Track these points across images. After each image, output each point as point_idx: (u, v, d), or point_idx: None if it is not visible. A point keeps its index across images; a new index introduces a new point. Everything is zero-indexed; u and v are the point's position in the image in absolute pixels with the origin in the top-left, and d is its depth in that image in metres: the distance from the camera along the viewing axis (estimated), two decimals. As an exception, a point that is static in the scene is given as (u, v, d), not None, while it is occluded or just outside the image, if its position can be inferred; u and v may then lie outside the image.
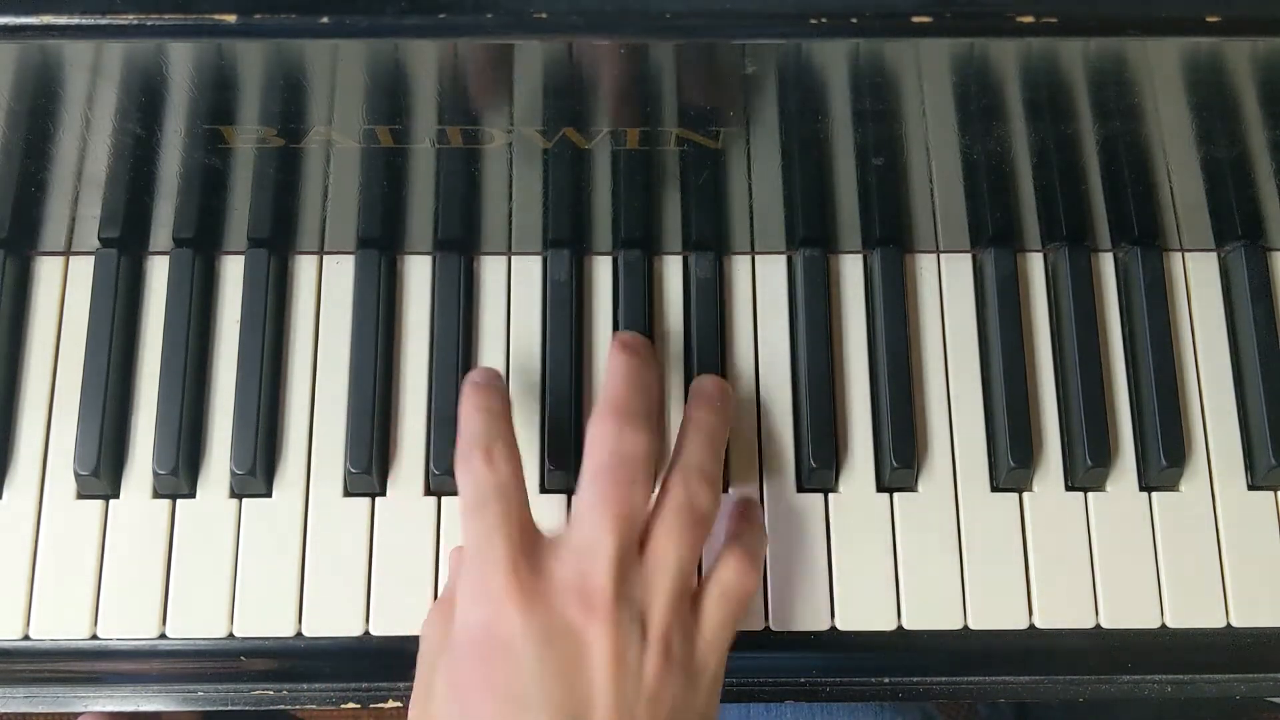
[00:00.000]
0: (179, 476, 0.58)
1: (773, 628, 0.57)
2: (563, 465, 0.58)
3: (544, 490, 0.59)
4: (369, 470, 0.58)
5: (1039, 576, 0.58)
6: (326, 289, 0.61)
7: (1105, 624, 0.57)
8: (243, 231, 0.60)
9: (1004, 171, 0.55)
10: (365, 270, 0.60)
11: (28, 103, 0.49)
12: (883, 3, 0.44)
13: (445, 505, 0.58)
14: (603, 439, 0.50)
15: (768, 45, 0.46)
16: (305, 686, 0.57)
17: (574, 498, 0.50)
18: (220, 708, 0.57)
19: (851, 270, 0.62)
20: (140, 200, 0.57)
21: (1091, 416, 0.59)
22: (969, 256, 0.62)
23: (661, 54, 0.47)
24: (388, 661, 0.57)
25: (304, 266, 0.62)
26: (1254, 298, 0.61)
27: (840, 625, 0.57)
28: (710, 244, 0.61)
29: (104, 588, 0.57)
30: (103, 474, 0.58)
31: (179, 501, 0.58)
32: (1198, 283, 0.62)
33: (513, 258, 0.62)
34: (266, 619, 0.57)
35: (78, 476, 0.58)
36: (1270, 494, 0.59)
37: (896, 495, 0.59)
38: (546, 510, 0.58)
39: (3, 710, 0.57)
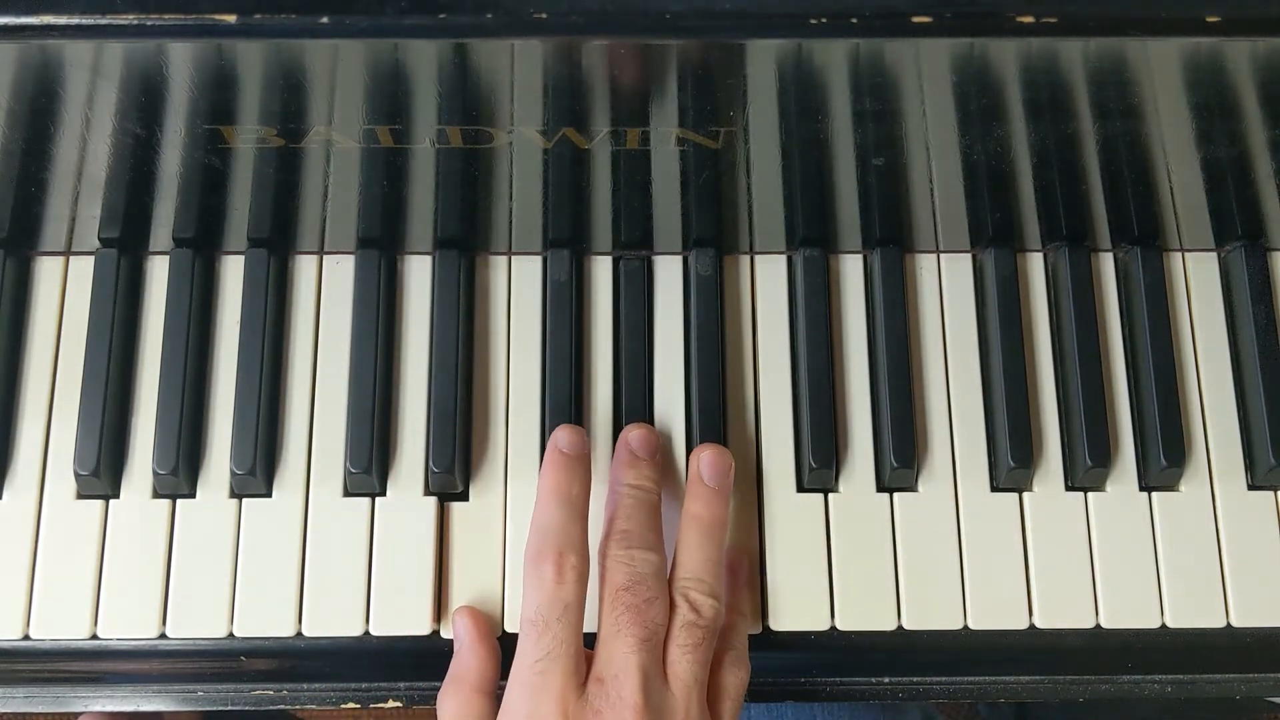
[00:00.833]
0: (179, 476, 0.58)
1: (773, 628, 0.57)
2: (563, 465, 0.58)
3: (544, 490, 0.59)
4: (369, 470, 0.58)
5: (1039, 576, 0.58)
6: (326, 289, 0.61)
7: (1105, 624, 0.57)
8: (243, 231, 0.60)
9: (1004, 171, 0.55)
10: (365, 270, 0.60)
11: (28, 103, 0.49)
12: (883, 3, 0.44)
13: (445, 505, 0.58)
14: (617, 563, 0.53)
15: (768, 45, 0.46)
16: (305, 686, 0.57)
17: (599, 619, 0.53)
18: (220, 708, 0.57)
19: (851, 270, 0.62)
20: (140, 200, 0.57)
21: (1091, 416, 0.59)
22: (969, 256, 0.62)
23: (661, 54, 0.47)
24: (387, 661, 0.57)
25: (304, 266, 0.62)
26: (1254, 298, 0.61)
27: (840, 625, 0.57)
28: (710, 244, 0.61)
29: (104, 588, 0.57)
30: (103, 474, 0.58)
31: (179, 501, 0.58)
32: (1198, 283, 0.62)
33: (513, 258, 0.62)
34: (266, 619, 0.57)
35: (78, 476, 0.58)
36: (1270, 494, 0.59)
37: (896, 495, 0.59)
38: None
39: (3, 710, 0.57)
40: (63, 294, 0.61)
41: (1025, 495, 0.59)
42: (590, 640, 0.53)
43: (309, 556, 0.57)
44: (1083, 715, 0.84)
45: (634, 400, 0.59)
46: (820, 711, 0.77)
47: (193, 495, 0.58)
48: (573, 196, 0.57)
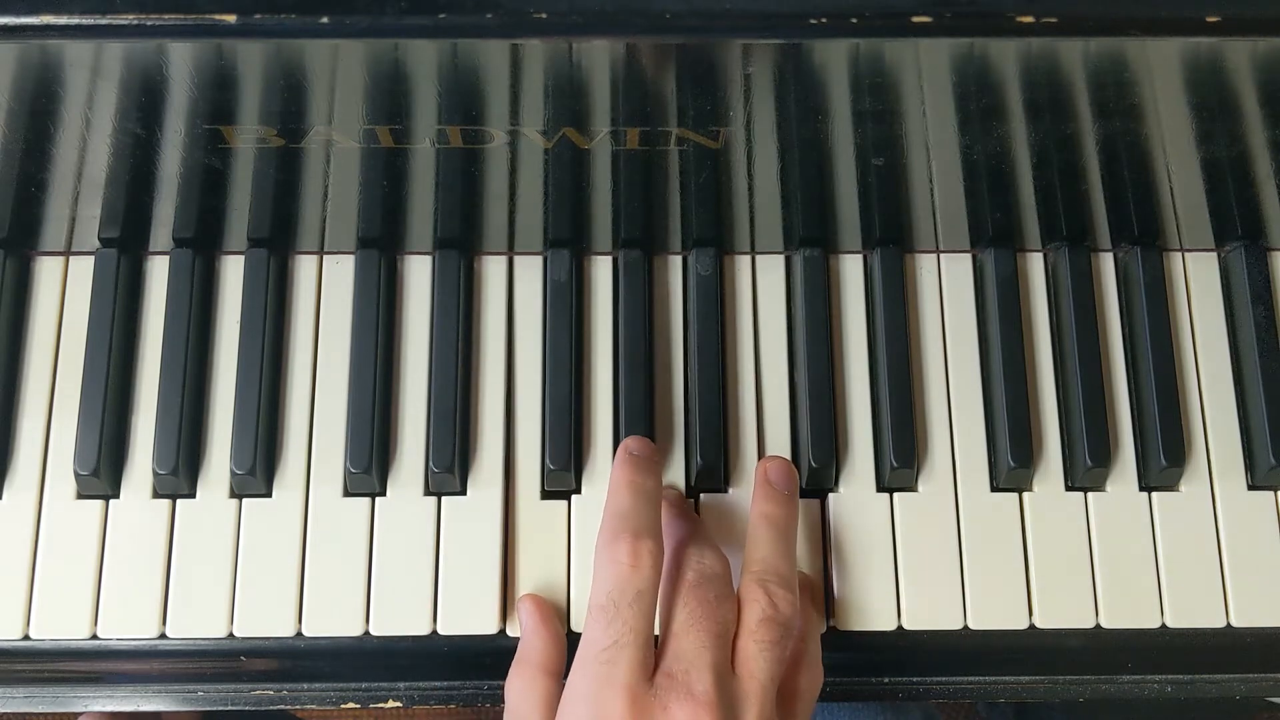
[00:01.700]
0: (179, 476, 0.58)
1: (773, 628, 0.57)
2: (563, 465, 0.58)
3: (544, 491, 0.59)
4: (369, 470, 0.58)
5: (1039, 576, 0.58)
6: (326, 289, 0.61)
7: (1105, 624, 0.57)
8: (243, 231, 0.60)
9: (1004, 171, 0.55)
10: (365, 270, 0.60)
11: (28, 103, 0.49)
12: (883, 3, 0.44)
13: (445, 505, 0.58)
14: (687, 561, 0.52)
15: (768, 45, 0.46)
16: (305, 686, 0.57)
17: (667, 615, 0.51)
18: (220, 708, 0.57)
19: (851, 270, 0.62)
20: (140, 200, 0.57)
21: (1091, 416, 0.59)
22: (969, 256, 0.62)
23: (661, 54, 0.47)
24: (388, 661, 0.57)
25: (304, 266, 0.62)
26: (1254, 298, 0.61)
27: (840, 625, 0.57)
28: (710, 244, 0.61)
29: (104, 588, 0.57)
30: (103, 474, 0.58)
31: (179, 501, 0.58)
32: (1198, 283, 0.62)
33: (513, 257, 0.62)
34: (266, 619, 0.57)
35: (78, 476, 0.58)
36: (1270, 494, 0.59)
37: (896, 495, 0.59)
38: (548, 513, 0.58)
39: (3, 710, 0.57)
40: (63, 294, 0.61)
41: (1025, 495, 0.59)
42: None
43: (309, 556, 0.57)
44: (1083, 715, 0.84)
45: (633, 400, 0.59)
46: (820, 711, 0.78)
47: (193, 495, 0.58)
48: (573, 196, 0.57)
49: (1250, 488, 0.60)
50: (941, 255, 0.62)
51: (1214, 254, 0.63)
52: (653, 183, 0.56)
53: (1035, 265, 0.63)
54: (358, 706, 0.57)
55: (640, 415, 0.59)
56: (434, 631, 0.57)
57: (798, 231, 0.61)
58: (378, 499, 0.58)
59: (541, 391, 0.60)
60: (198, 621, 0.57)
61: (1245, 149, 0.53)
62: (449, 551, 0.58)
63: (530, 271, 0.62)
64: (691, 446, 0.59)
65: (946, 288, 0.62)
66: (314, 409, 0.60)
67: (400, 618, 0.57)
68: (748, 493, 0.59)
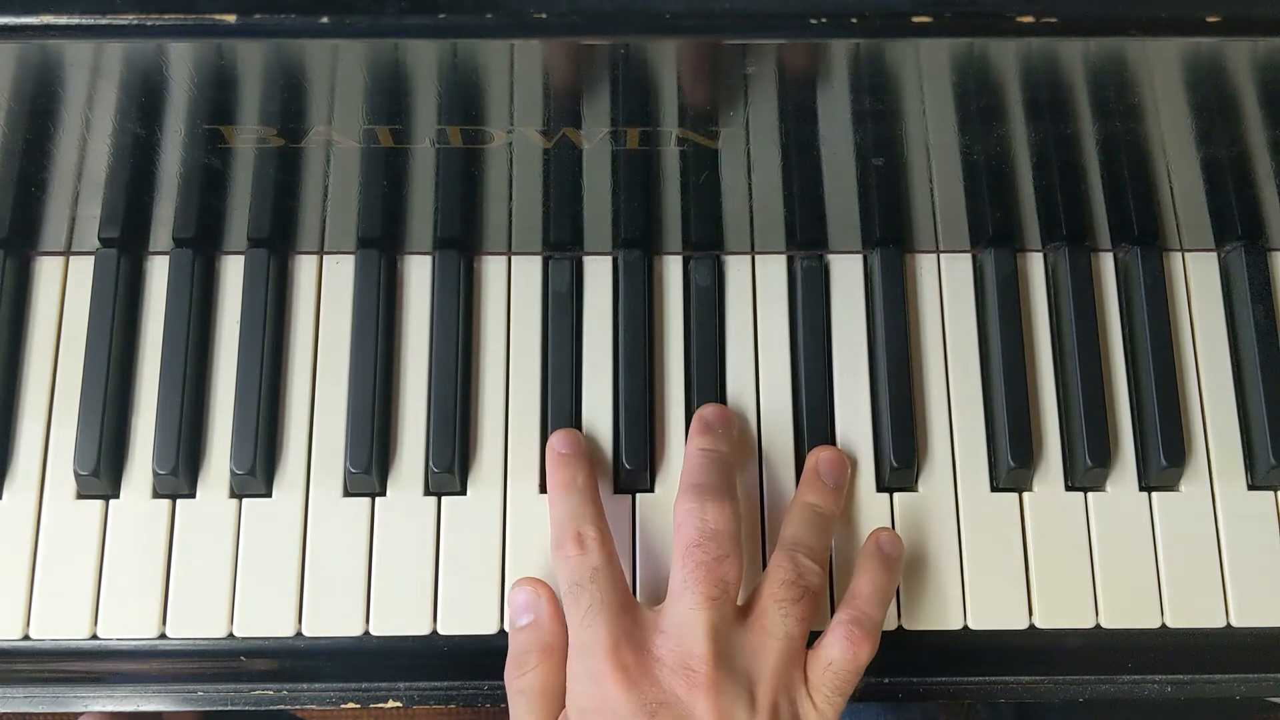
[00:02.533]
0: (179, 476, 0.58)
1: (773, 628, 0.57)
2: (563, 465, 0.58)
3: (544, 491, 0.59)
4: (369, 470, 0.58)
5: (1039, 576, 0.58)
6: (326, 289, 0.61)
7: (1105, 624, 0.57)
8: (243, 231, 0.60)
9: (1004, 171, 0.55)
10: (365, 270, 0.60)
11: (28, 103, 0.49)
12: (883, 3, 0.44)
13: (445, 505, 0.58)
14: (688, 518, 0.53)
15: (768, 45, 0.46)
16: (305, 686, 0.57)
17: (671, 580, 0.52)
18: (220, 708, 0.57)
19: (851, 270, 0.62)
20: (140, 200, 0.57)
21: (1091, 416, 0.59)
22: (969, 256, 0.62)
23: (661, 54, 0.47)
24: (387, 661, 0.57)
25: (304, 266, 0.62)
26: (1254, 298, 0.61)
27: (840, 625, 0.57)
28: (710, 244, 0.61)
29: (104, 588, 0.57)
30: (103, 474, 0.58)
31: (179, 501, 0.58)
32: (1198, 283, 0.62)
33: (513, 257, 0.62)
34: (266, 619, 0.57)
35: (78, 476, 0.58)
36: (1270, 494, 0.59)
37: (896, 495, 0.59)
38: (547, 511, 0.58)
39: (3, 710, 0.57)
40: (63, 294, 0.61)
41: (1025, 495, 0.59)
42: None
43: (309, 556, 0.57)
44: (1083, 715, 0.84)
45: (634, 399, 0.59)
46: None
47: (193, 495, 0.58)
48: (573, 197, 0.57)
49: (1250, 488, 0.60)
50: (941, 255, 0.62)
51: (1214, 254, 0.63)
52: (652, 183, 0.56)
53: (1035, 265, 0.63)
54: (358, 706, 0.57)
55: (640, 414, 0.59)
56: (434, 631, 0.57)
57: (798, 232, 0.61)
58: (378, 499, 0.58)
59: (541, 392, 0.60)
60: (198, 621, 0.57)
61: (1245, 149, 0.53)
62: (449, 551, 0.58)
63: (530, 271, 0.62)
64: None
65: (946, 288, 0.62)
66: (314, 409, 0.60)
67: (400, 618, 0.57)
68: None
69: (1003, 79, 0.48)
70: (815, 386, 0.59)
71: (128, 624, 0.57)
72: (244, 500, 0.58)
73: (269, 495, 0.58)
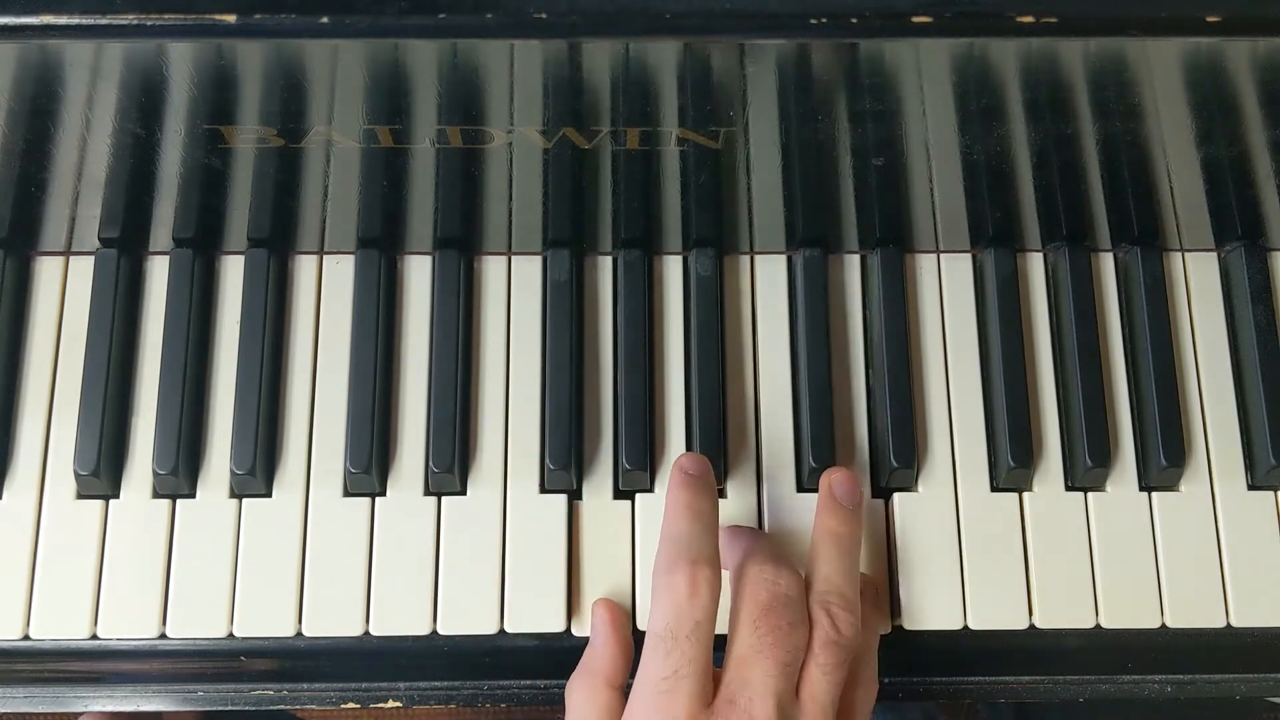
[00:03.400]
0: (179, 476, 0.58)
1: (773, 628, 0.57)
2: (563, 465, 0.58)
3: (544, 490, 0.59)
4: (369, 470, 0.58)
5: (1039, 577, 0.58)
6: (326, 289, 0.61)
7: (1105, 624, 0.57)
8: (243, 231, 0.60)
9: (1004, 171, 0.55)
10: (365, 270, 0.60)
11: (28, 103, 0.49)
12: (883, 3, 0.44)
13: (445, 505, 0.58)
14: (760, 581, 0.51)
15: (768, 45, 0.46)
16: (305, 686, 0.57)
17: (733, 635, 0.51)
18: (220, 708, 0.57)
19: (851, 270, 0.62)
20: (140, 200, 0.57)
21: (1091, 416, 0.59)
22: (969, 256, 0.62)
23: (661, 54, 0.47)
24: (387, 661, 0.57)
25: (304, 266, 0.62)
26: (1254, 298, 0.61)
27: (840, 625, 0.57)
28: (710, 244, 0.61)
29: (104, 588, 0.57)
30: (103, 474, 0.58)
31: (179, 501, 0.58)
32: (1198, 283, 0.62)
33: (513, 258, 0.62)
34: (266, 619, 0.57)
35: (78, 476, 0.58)
36: (1270, 494, 0.59)
37: (896, 495, 0.59)
38: (546, 511, 0.58)
39: (3, 710, 0.57)
40: (63, 294, 0.61)
41: (1025, 495, 0.59)
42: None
43: (309, 556, 0.57)
44: (1083, 715, 0.84)
45: (634, 401, 0.59)
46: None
47: (193, 495, 0.58)
48: (573, 197, 0.57)
49: (1250, 488, 0.60)
50: (941, 255, 0.62)
51: (1214, 254, 0.63)
52: (653, 183, 0.56)
53: (1035, 265, 0.63)
54: (358, 706, 0.57)
55: (639, 415, 0.59)
56: (434, 631, 0.57)
57: (798, 231, 0.61)
58: (378, 499, 0.58)
59: (541, 391, 0.60)
60: (198, 621, 0.57)
61: (1245, 149, 0.53)
62: (449, 551, 0.58)
63: (530, 271, 0.62)
64: (691, 447, 0.59)
65: (946, 288, 0.62)
66: (314, 409, 0.60)
67: (400, 618, 0.57)
68: (735, 491, 0.59)
69: (1003, 79, 0.48)
70: (815, 386, 0.59)
71: (128, 624, 0.57)
72: (244, 500, 0.58)
73: (269, 495, 0.58)
